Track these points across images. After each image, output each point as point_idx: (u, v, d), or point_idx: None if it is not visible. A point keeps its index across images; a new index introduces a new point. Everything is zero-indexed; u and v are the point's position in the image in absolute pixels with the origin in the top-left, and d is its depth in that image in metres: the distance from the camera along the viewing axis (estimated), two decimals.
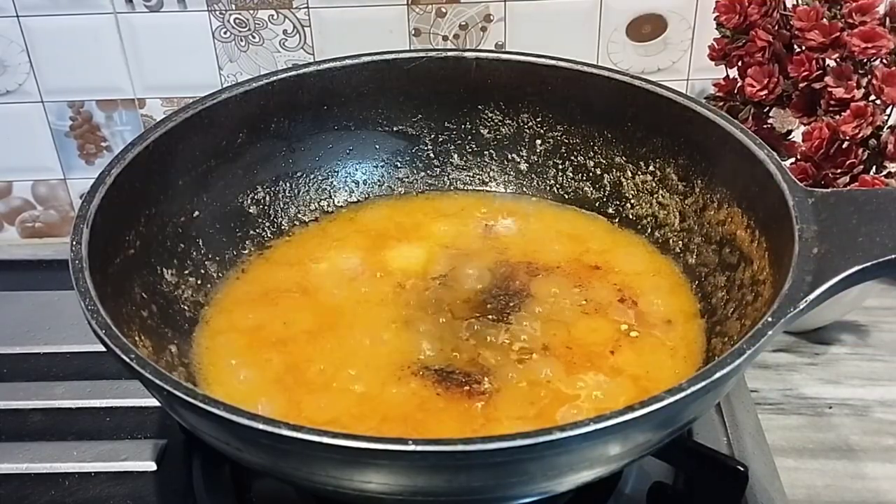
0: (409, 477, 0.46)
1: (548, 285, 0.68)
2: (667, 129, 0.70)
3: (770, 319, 0.50)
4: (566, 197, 0.77)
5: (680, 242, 0.70)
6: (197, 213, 0.69)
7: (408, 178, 0.79)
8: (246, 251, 0.72)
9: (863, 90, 0.72)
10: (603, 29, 0.88)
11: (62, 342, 0.78)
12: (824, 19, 0.72)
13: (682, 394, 0.45)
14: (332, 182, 0.77)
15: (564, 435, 0.43)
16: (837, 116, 0.72)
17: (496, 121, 0.77)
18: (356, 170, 0.77)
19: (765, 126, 0.78)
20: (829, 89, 0.72)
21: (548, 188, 0.77)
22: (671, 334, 0.64)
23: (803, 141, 0.74)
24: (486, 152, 0.78)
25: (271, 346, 0.63)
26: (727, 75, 0.80)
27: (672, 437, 0.51)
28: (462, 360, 0.61)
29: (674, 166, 0.70)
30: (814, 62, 0.73)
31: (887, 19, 0.72)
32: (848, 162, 0.71)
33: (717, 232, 0.66)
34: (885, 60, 0.72)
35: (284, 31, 0.87)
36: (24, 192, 0.96)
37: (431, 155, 0.78)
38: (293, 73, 0.72)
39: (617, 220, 0.74)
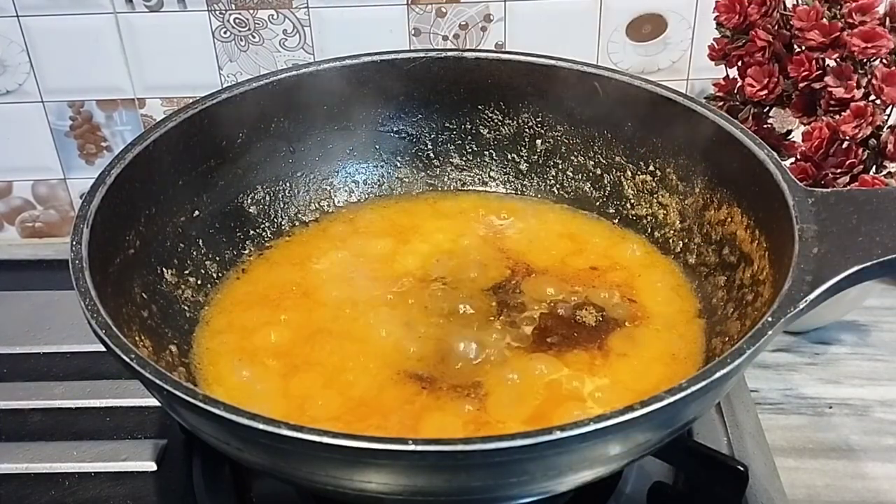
0: (409, 477, 0.46)
1: (547, 285, 0.68)
2: (667, 129, 0.70)
3: (770, 319, 0.50)
4: (566, 197, 0.77)
5: (680, 242, 0.70)
6: (197, 213, 0.69)
7: (408, 178, 0.79)
8: (246, 251, 0.72)
9: (863, 90, 0.72)
10: (603, 29, 0.88)
11: (62, 342, 0.78)
12: (824, 19, 0.72)
13: (682, 394, 0.45)
14: (332, 182, 0.77)
15: (564, 435, 0.43)
16: (837, 116, 0.72)
17: (496, 121, 0.77)
18: (356, 170, 0.77)
19: (765, 126, 0.78)
20: (829, 89, 0.72)
21: (548, 188, 0.77)
22: (671, 334, 0.64)
23: (803, 141, 0.74)
24: (486, 152, 0.78)
25: (271, 346, 0.63)
26: (727, 75, 0.80)
27: (672, 437, 0.51)
28: (461, 361, 0.61)
29: (674, 166, 0.70)
30: (814, 62, 0.73)
31: (887, 19, 0.72)
32: (848, 162, 0.71)
33: (717, 232, 0.66)
34: (885, 60, 0.72)
35: (284, 31, 0.87)
36: (25, 192, 0.96)
37: (431, 155, 0.78)
38: (293, 73, 0.72)
39: (617, 220, 0.74)
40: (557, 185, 0.77)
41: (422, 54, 0.75)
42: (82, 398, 0.72)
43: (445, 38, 0.88)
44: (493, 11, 0.87)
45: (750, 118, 0.78)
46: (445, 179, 0.79)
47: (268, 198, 0.74)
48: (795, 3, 0.75)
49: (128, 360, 0.48)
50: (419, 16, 0.87)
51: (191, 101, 0.68)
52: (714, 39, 0.79)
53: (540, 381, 0.59)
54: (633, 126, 0.72)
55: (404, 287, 0.68)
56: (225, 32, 0.87)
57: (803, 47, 0.73)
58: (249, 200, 0.73)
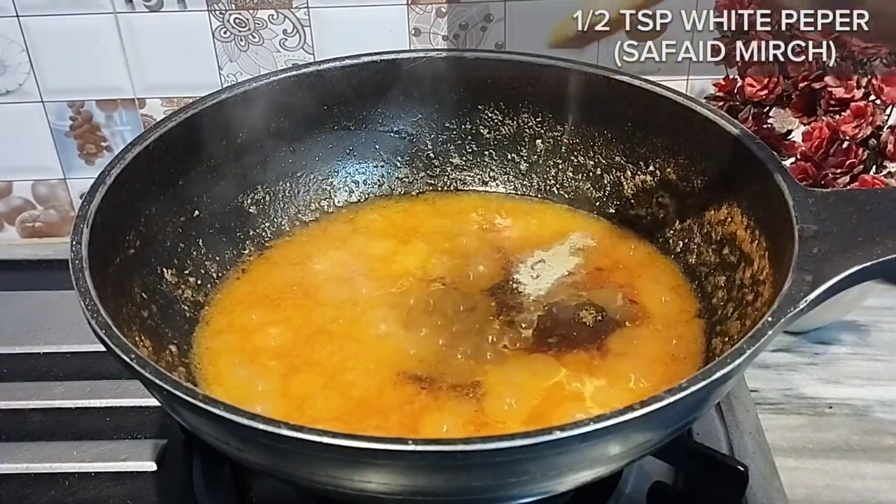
0: (409, 477, 0.46)
1: (547, 286, 0.68)
2: (667, 129, 0.70)
3: (770, 319, 0.50)
4: (566, 197, 0.77)
5: (680, 242, 0.70)
6: (197, 213, 0.69)
7: (408, 178, 0.79)
8: (246, 251, 0.72)
9: (863, 90, 0.72)
10: None
11: (62, 342, 0.78)
12: None
13: (682, 394, 0.45)
14: (332, 182, 0.77)
15: (564, 435, 0.43)
16: (837, 116, 0.72)
17: (496, 121, 0.77)
18: (356, 170, 0.77)
19: (765, 126, 0.78)
20: (829, 89, 0.72)
21: (548, 188, 0.77)
22: (671, 334, 0.64)
23: (803, 141, 0.74)
24: (486, 152, 0.78)
25: (271, 346, 0.63)
26: (727, 75, 0.80)
27: (672, 437, 0.51)
28: (461, 362, 0.61)
29: (674, 166, 0.70)
30: (814, 62, 0.73)
31: None
32: (848, 162, 0.71)
33: (717, 232, 0.66)
34: (885, 60, 0.71)
35: (284, 31, 0.87)
36: (25, 192, 0.96)
37: (431, 155, 0.78)
38: (293, 73, 0.72)
39: (617, 220, 0.74)
40: (557, 185, 0.77)
41: (422, 54, 0.75)
42: (82, 398, 0.72)
43: (445, 38, 0.88)
44: (493, 11, 0.87)
45: (750, 118, 0.78)
46: (445, 179, 0.79)
47: (268, 198, 0.74)
48: None
49: (128, 360, 0.48)
50: (419, 16, 0.87)
51: (191, 101, 0.68)
52: (714, 39, 0.79)
53: (539, 382, 0.59)
54: (633, 126, 0.72)
55: (404, 287, 0.68)
56: (225, 32, 0.87)
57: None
58: (249, 200, 0.73)
